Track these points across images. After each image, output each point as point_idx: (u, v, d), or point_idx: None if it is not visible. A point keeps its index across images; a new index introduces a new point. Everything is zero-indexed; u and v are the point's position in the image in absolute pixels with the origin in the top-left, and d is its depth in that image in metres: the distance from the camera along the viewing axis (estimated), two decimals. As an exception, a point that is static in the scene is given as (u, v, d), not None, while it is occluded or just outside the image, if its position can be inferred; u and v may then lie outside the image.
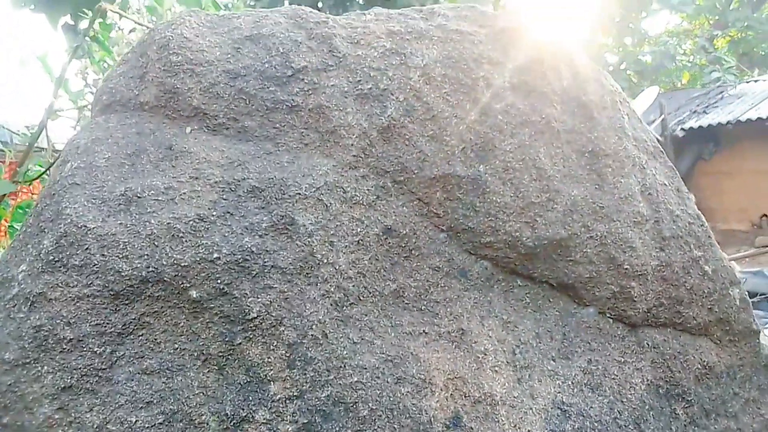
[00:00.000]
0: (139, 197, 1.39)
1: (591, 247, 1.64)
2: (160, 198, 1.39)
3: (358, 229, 1.47)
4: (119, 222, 1.36)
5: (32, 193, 3.58)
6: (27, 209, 2.98)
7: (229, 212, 1.40)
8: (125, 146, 1.50)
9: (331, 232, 1.43)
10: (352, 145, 1.51)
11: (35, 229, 1.41)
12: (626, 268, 1.66)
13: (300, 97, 1.54)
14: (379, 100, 1.55)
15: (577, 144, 1.68)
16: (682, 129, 13.84)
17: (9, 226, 2.98)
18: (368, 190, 1.51)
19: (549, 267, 1.63)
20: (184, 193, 1.41)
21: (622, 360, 1.66)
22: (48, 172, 2.81)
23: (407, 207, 1.54)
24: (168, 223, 1.36)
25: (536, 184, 1.60)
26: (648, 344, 1.70)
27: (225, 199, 1.42)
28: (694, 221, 1.83)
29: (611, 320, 1.69)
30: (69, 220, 1.35)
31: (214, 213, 1.39)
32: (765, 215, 13.17)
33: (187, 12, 1.71)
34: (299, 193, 1.44)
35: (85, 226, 1.35)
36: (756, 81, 14.51)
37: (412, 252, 1.53)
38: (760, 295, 4.97)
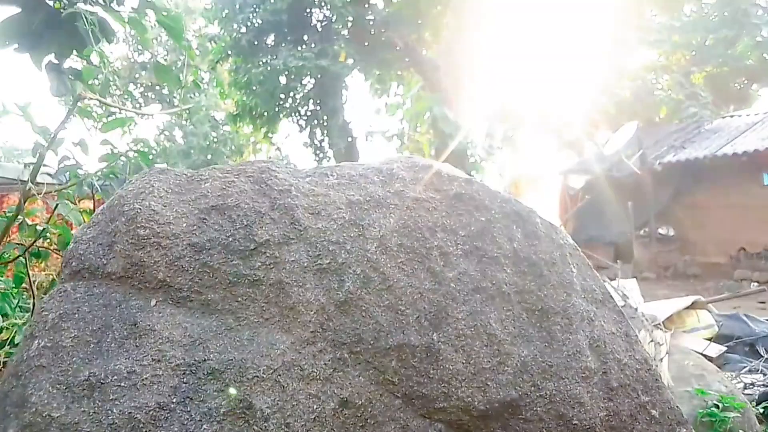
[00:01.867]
0: (102, 383, 1.45)
1: (541, 405, 1.72)
2: (122, 384, 1.46)
3: (315, 406, 1.54)
4: (82, 409, 1.42)
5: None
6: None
7: (188, 397, 1.46)
8: (92, 321, 1.56)
9: (288, 413, 1.50)
10: (310, 321, 1.59)
11: (1, 413, 1.46)
12: (575, 423, 1.74)
13: (262, 271, 1.61)
14: (337, 274, 1.63)
15: (527, 303, 1.77)
16: (661, 163, 14.12)
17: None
18: (325, 364, 1.58)
19: (501, 426, 1.71)
20: (146, 378, 1.47)
21: None
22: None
23: (363, 377, 1.62)
24: (129, 413, 1.42)
25: (487, 350, 1.68)
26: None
27: (185, 383, 1.48)
28: (641, 366, 1.92)
29: (561, 472, 1.77)
30: (34, 409, 1.41)
31: (174, 400, 1.45)
32: (743, 248, 13.40)
33: (156, 175, 1.78)
34: (257, 376, 1.51)
35: (50, 416, 1.40)
36: (731, 116, 14.88)
37: (368, 421, 1.60)
38: (736, 338, 5.07)
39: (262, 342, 1.56)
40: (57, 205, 3.24)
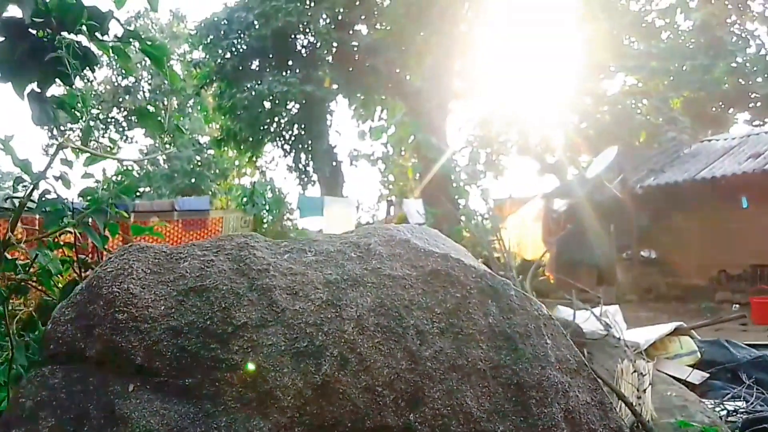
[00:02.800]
0: (79, 477, 1.45)
1: (517, 480, 1.74)
2: (99, 478, 1.46)
3: (293, 492, 1.55)
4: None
5: None
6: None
7: (167, 488, 1.47)
8: (69, 409, 1.57)
9: (265, 503, 1.51)
10: (287, 406, 1.60)
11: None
12: (550, 497, 1.77)
13: (239, 355, 1.63)
14: (315, 357, 1.65)
15: (503, 378, 1.80)
16: (641, 187, 14.35)
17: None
18: (303, 448, 1.60)
19: (477, 503, 1.72)
20: (123, 472, 1.47)
21: None
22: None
23: (341, 460, 1.63)
24: None
25: (464, 428, 1.70)
26: None
27: (163, 474, 1.49)
28: (616, 434, 1.95)
29: None
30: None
31: (152, 492, 1.46)
32: (724, 270, 13.60)
33: (135, 254, 1.80)
34: (235, 465, 1.51)
35: None
36: (710, 140, 15.19)
37: (346, 504, 1.61)
38: (718, 365, 5.11)
39: (239, 428, 1.57)
40: (36, 254, 3.23)
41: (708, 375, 4.71)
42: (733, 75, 15.05)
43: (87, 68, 3.01)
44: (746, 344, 5.55)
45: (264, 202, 11.82)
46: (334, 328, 1.69)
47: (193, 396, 1.60)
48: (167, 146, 18.17)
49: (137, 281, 1.71)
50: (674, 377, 4.52)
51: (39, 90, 2.86)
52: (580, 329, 4.79)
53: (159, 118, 3.80)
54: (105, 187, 3.92)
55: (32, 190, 3.10)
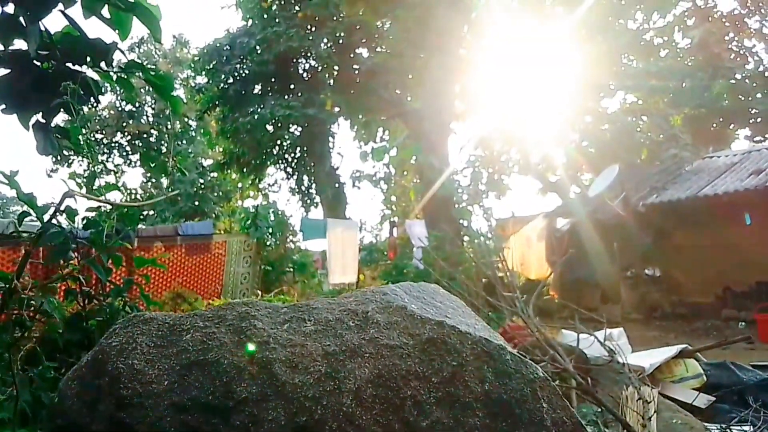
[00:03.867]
0: None
1: None
2: None
3: None
4: None
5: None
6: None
7: None
8: (75, 487, 1.61)
9: None
10: (288, 481, 1.64)
11: None
12: None
13: (241, 430, 1.67)
14: (314, 431, 1.69)
15: (500, 444, 1.83)
16: (643, 204, 14.35)
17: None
18: None
19: None
20: None
21: None
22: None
23: None
24: None
25: (461, 499, 1.74)
26: None
27: None
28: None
29: None
30: None
31: None
32: (728, 288, 13.54)
33: (140, 327, 1.85)
34: None
35: None
36: (711, 158, 15.21)
37: None
38: (725, 387, 5.09)
39: (241, 504, 1.61)
40: (42, 303, 3.28)
41: (714, 398, 4.70)
42: (733, 91, 15.09)
43: (91, 98, 3.06)
44: (752, 365, 5.53)
45: (267, 225, 11.86)
46: (332, 401, 1.73)
47: (196, 471, 1.64)
48: (172, 170, 18.35)
49: (141, 356, 1.76)
50: (680, 402, 4.52)
51: (44, 121, 2.92)
52: (584, 355, 4.80)
53: (163, 161, 3.86)
54: (108, 217, 3.96)
55: (40, 234, 3.15)
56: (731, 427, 4.46)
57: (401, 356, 1.83)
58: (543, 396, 1.98)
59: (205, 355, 1.77)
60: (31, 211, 3.17)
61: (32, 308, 3.22)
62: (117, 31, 2.96)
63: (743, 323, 12.09)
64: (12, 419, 2.59)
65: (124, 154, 20.83)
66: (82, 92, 2.85)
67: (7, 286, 3.05)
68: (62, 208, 3.36)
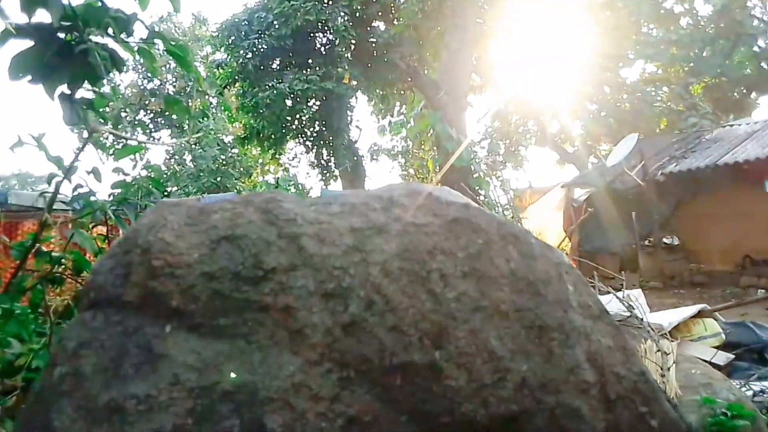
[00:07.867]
0: (121, 407, 1.53)
1: (541, 419, 1.79)
2: (140, 407, 1.54)
3: (323, 424, 1.61)
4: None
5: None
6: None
7: (203, 418, 1.54)
8: (110, 348, 1.65)
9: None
10: (317, 343, 1.67)
11: (27, 439, 1.55)
12: (575, 435, 1.81)
13: (270, 297, 1.70)
14: (342, 298, 1.71)
15: (525, 320, 1.85)
16: (663, 174, 14.18)
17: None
18: (332, 383, 1.66)
19: (503, 440, 1.77)
20: (163, 401, 1.55)
21: None
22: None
23: (369, 395, 1.69)
24: (148, 436, 1.50)
25: (488, 366, 1.75)
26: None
27: (200, 405, 1.56)
28: (638, 378, 1.99)
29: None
30: (57, 434, 1.49)
31: (190, 421, 1.53)
32: (748, 256, 13.38)
33: (169, 208, 1.88)
34: (268, 397, 1.58)
35: (73, 440, 1.48)
36: (731, 126, 14.95)
37: (375, 438, 1.67)
38: (744, 346, 5.08)
39: (272, 364, 1.64)
40: (72, 234, 3.34)
41: (733, 356, 4.69)
42: (755, 59, 14.79)
43: (114, 69, 3.11)
44: (772, 326, 5.50)
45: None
46: (360, 272, 1.75)
47: (227, 335, 1.68)
48: (194, 146, 18.50)
49: (171, 231, 1.79)
50: (699, 358, 4.50)
51: (69, 91, 2.98)
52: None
53: (185, 104, 3.88)
54: (135, 181, 4.01)
55: (63, 179, 3.20)
56: (750, 383, 4.44)
57: (427, 233, 1.84)
58: (569, 280, 1.99)
59: (233, 231, 1.79)
60: (59, 172, 3.22)
61: (63, 266, 3.30)
62: (137, 1, 3.02)
63: (763, 290, 11.97)
64: (46, 368, 2.69)
65: (147, 131, 21.03)
66: (105, 62, 2.89)
67: (39, 228, 3.13)
68: (90, 169, 3.40)
